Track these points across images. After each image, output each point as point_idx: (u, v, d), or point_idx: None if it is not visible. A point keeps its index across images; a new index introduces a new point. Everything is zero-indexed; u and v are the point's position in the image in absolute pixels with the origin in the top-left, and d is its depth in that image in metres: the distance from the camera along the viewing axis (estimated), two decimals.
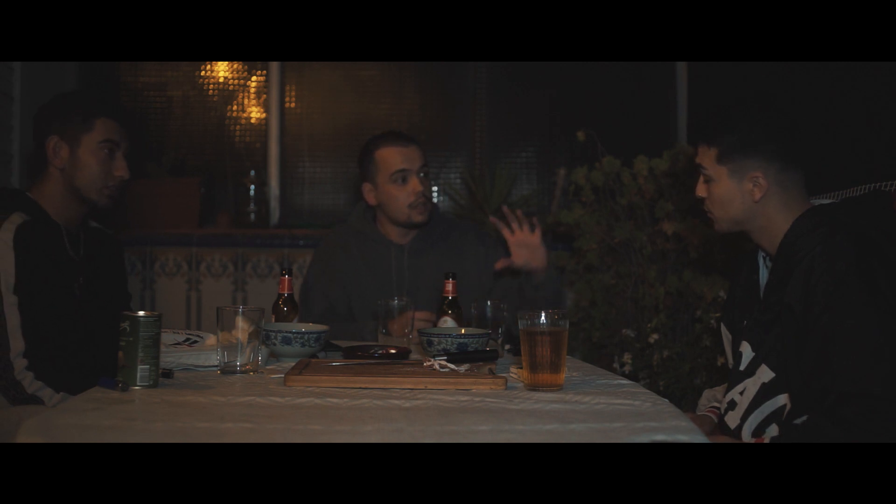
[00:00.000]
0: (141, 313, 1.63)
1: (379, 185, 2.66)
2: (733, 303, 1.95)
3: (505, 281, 2.68)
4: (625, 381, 1.77)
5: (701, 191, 1.89)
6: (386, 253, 2.68)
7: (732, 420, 1.81)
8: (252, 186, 4.11)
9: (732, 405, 1.83)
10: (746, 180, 1.80)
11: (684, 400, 2.89)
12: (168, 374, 1.72)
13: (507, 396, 1.58)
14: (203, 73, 4.28)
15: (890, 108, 2.60)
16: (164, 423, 1.37)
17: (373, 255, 2.69)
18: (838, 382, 1.59)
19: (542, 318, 1.65)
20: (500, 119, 4.29)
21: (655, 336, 3.02)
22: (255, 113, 4.27)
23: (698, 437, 1.32)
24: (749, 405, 1.78)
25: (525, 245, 2.55)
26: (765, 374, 1.76)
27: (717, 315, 2.89)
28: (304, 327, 2.09)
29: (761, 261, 1.89)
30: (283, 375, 1.73)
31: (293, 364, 1.86)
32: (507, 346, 2.17)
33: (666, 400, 1.58)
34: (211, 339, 1.94)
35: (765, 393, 1.76)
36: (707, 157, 1.85)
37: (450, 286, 2.21)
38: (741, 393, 1.80)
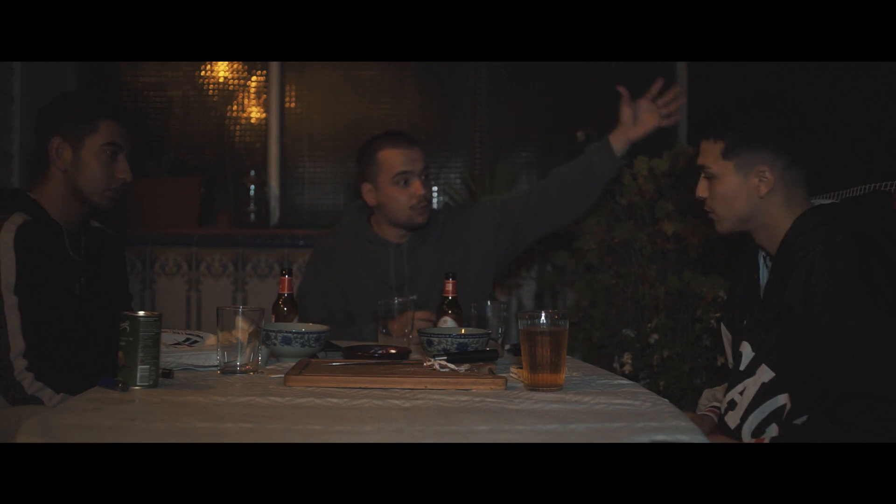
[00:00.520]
0: (141, 313, 1.63)
1: (380, 186, 2.65)
2: (733, 303, 1.95)
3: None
4: (625, 381, 1.77)
5: (702, 190, 1.88)
6: (384, 253, 2.68)
7: (732, 420, 1.81)
8: (252, 186, 4.11)
9: (732, 405, 1.83)
10: (752, 175, 1.80)
11: (684, 400, 2.89)
12: (168, 374, 1.72)
13: (507, 396, 1.58)
14: (203, 73, 4.28)
15: (890, 108, 2.60)
16: (164, 423, 1.37)
17: (371, 256, 2.69)
18: (838, 383, 1.59)
19: (542, 318, 1.65)
20: (500, 119, 4.29)
21: (655, 336, 3.02)
22: (255, 113, 4.27)
23: (698, 437, 1.32)
24: (749, 405, 1.78)
25: (650, 109, 2.67)
26: (765, 373, 1.76)
27: (717, 315, 2.89)
28: (304, 327, 2.09)
29: (761, 261, 1.89)
30: (283, 375, 1.73)
31: (293, 364, 1.86)
32: (507, 346, 2.17)
33: (666, 400, 1.58)
34: (211, 339, 1.94)
35: (765, 393, 1.76)
36: (711, 154, 1.83)
37: (450, 286, 2.21)
38: (741, 393, 1.80)
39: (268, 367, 1.90)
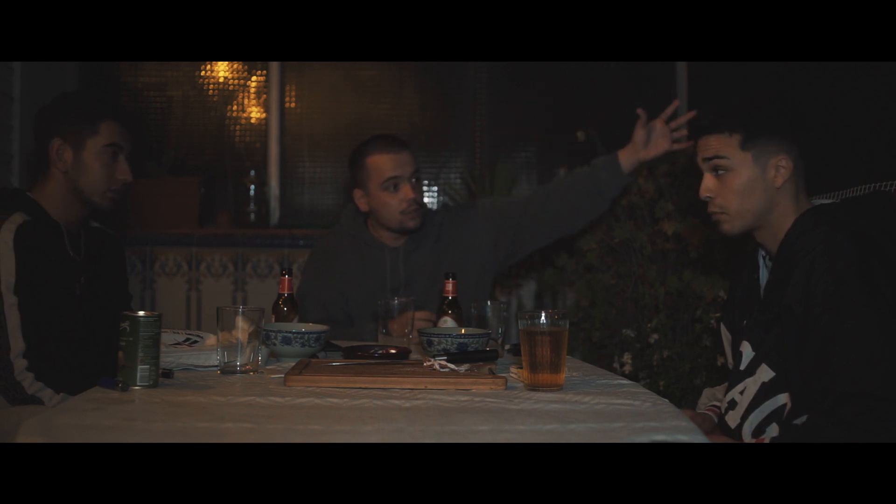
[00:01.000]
0: (141, 313, 1.63)
1: (371, 191, 2.64)
2: (733, 302, 1.95)
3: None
4: (625, 381, 1.77)
5: (708, 188, 1.83)
6: (380, 256, 2.68)
7: (733, 419, 1.81)
8: (252, 186, 4.11)
9: (733, 405, 1.82)
10: (770, 167, 1.78)
11: (684, 400, 2.89)
12: (168, 374, 1.72)
13: (507, 396, 1.58)
14: (203, 73, 4.28)
15: (889, 108, 2.60)
16: (164, 423, 1.37)
17: (367, 258, 2.68)
18: (838, 382, 1.59)
19: (542, 318, 1.65)
20: (500, 119, 4.29)
21: (655, 336, 3.02)
22: (255, 113, 4.27)
23: (698, 437, 1.32)
24: (749, 404, 1.78)
25: (663, 133, 2.68)
26: (765, 373, 1.76)
27: (717, 315, 2.89)
28: (304, 327, 2.09)
29: (761, 260, 1.89)
30: (283, 375, 1.73)
31: (293, 364, 1.86)
32: (507, 346, 2.17)
33: (666, 400, 1.58)
34: (211, 339, 1.94)
35: (765, 392, 1.76)
36: (726, 146, 1.80)
37: (450, 286, 2.21)
38: (741, 392, 1.80)
39: (268, 367, 1.90)
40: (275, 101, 4.22)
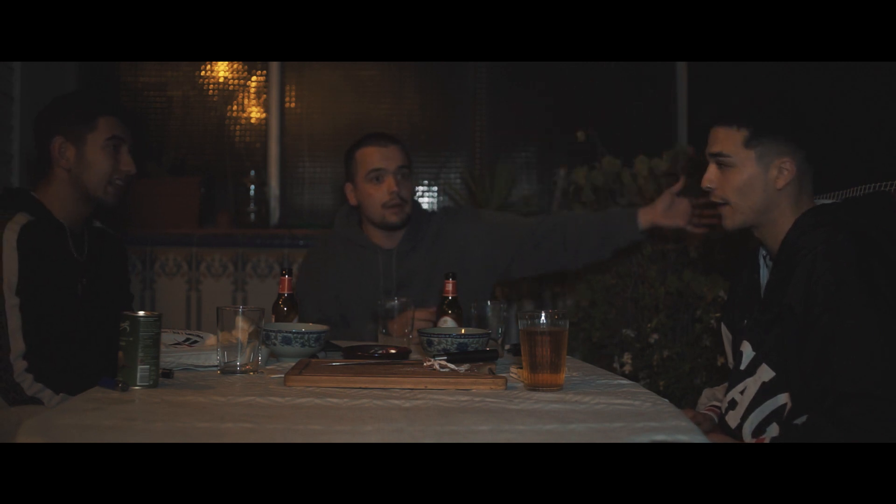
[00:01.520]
0: (141, 313, 1.63)
1: (357, 184, 2.66)
2: (734, 302, 1.95)
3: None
4: (625, 381, 1.77)
5: (710, 179, 1.84)
6: (373, 258, 2.68)
7: (733, 419, 1.81)
8: (252, 186, 4.11)
9: (733, 404, 1.82)
10: (773, 167, 1.79)
11: (684, 400, 2.89)
12: (168, 374, 1.72)
13: (507, 396, 1.58)
14: (203, 73, 4.28)
15: (890, 108, 2.60)
16: (164, 423, 1.37)
17: (361, 261, 2.68)
18: (838, 382, 1.59)
19: (542, 318, 1.65)
20: (500, 119, 4.29)
21: (655, 336, 3.02)
22: (255, 113, 4.27)
23: (698, 437, 1.32)
24: (749, 404, 1.78)
25: (685, 210, 2.60)
26: (765, 373, 1.76)
27: (717, 315, 2.89)
28: (304, 327, 2.09)
29: (762, 260, 1.89)
30: (283, 375, 1.73)
31: (293, 364, 1.86)
32: (507, 346, 2.17)
33: (666, 400, 1.58)
34: (211, 339, 1.93)
35: (765, 392, 1.76)
36: (731, 141, 1.81)
37: (450, 286, 2.21)
38: (742, 392, 1.80)
39: (268, 367, 1.90)
40: (275, 101, 4.22)
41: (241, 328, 1.78)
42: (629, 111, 4.21)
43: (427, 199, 4.28)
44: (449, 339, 1.98)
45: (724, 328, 1.99)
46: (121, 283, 2.37)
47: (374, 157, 2.64)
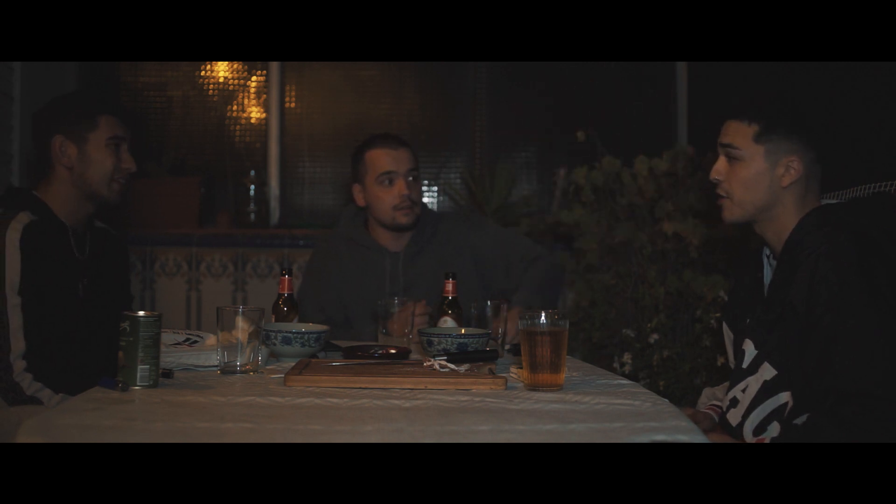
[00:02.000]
0: (141, 313, 1.63)
1: (367, 186, 2.66)
2: (735, 302, 1.95)
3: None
4: (625, 381, 1.77)
5: (719, 171, 1.84)
6: (380, 260, 2.67)
7: (734, 417, 1.82)
8: (252, 186, 4.11)
9: (734, 402, 1.83)
10: (780, 165, 1.79)
11: (684, 400, 2.89)
12: (168, 374, 1.72)
13: (507, 396, 1.58)
14: (203, 73, 4.28)
15: (890, 108, 2.60)
16: (164, 423, 1.37)
17: (366, 264, 2.68)
18: (839, 382, 1.59)
19: (542, 318, 1.65)
20: (500, 119, 4.29)
21: (655, 336, 3.02)
22: (255, 113, 4.27)
23: (698, 437, 1.32)
24: (751, 403, 1.78)
25: None
26: (767, 371, 1.77)
27: (717, 315, 2.89)
28: (304, 327, 2.09)
29: (765, 259, 1.89)
30: (283, 375, 1.73)
31: (293, 364, 1.86)
32: (507, 346, 2.17)
33: (666, 400, 1.58)
34: (211, 339, 1.93)
35: (767, 390, 1.77)
36: (742, 135, 1.81)
37: (450, 286, 2.21)
38: (743, 390, 1.81)
39: (268, 367, 1.90)
40: (275, 101, 4.22)
41: (241, 328, 1.77)
42: (629, 111, 4.21)
43: (427, 199, 4.28)
44: (449, 339, 1.98)
45: (725, 327, 1.99)
46: (121, 282, 2.37)
47: (385, 159, 2.64)
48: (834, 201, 1.85)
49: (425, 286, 2.62)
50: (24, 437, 1.25)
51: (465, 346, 1.96)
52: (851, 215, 1.77)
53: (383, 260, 2.67)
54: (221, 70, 4.27)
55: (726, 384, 2.04)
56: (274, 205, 4.19)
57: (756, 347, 1.80)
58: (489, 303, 2.17)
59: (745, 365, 1.81)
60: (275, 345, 1.98)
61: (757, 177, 1.80)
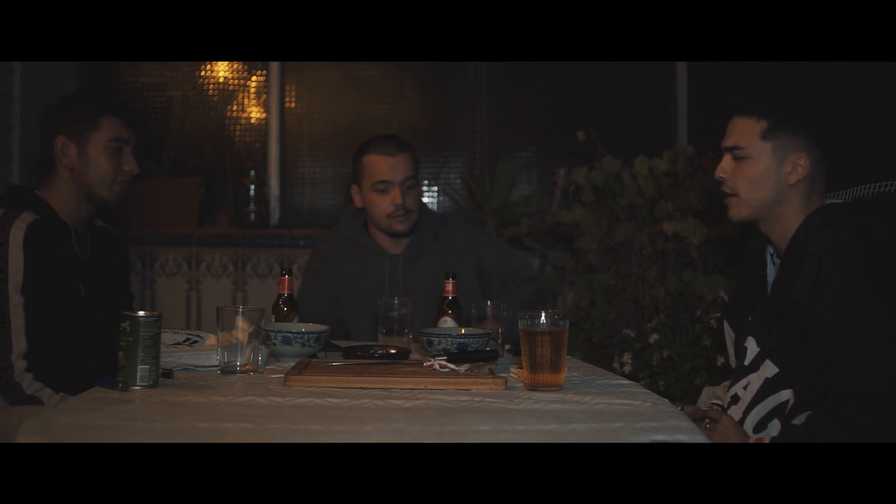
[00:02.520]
0: (141, 313, 1.63)
1: (363, 190, 2.66)
2: (737, 300, 1.95)
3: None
4: (625, 381, 1.77)
5: (724, 169, 1.84)
6: (379, 263, 2.67)
7: (735, 414, 1.82)
8: (252, 186, 4.11)
9: (735, 399, 1.83)
10: (787, 162, 1.79)
11: (684, 400, 2.89)
12: (168, 374, 1.72)
13: (507, 396, 1.58)
14: (203, 73, 4.28)
15: (890, 107, 2.60)
16: (164, 423, 1.37)
17: (365, 265, 2.68)
18: (839, 380, 1.59)
19: (542, 318, 1.65)
20: (500, 119, 4.29)
21: (655, 336, 3.02)
22: (255, 113, 4.27)
23: (698, 437, 1.32)
24: (752, 400, 1.79)
25: None
26: (769, 369, 1.77)
27: (717, 315, 2.89)
28: (304, 327, 2.09)
29: (769, 258, 1.90)
30: (283, 375, 1.73)
31: (293, 364, 1.86)
32: (507, 346, 2.17)
33: (666, 400, 1.59)
34: (211, 339, 1.93)
35: (768, 388, 1.77)
36: (748, 132, 1.81)
37: (450, 286, 2.21)
38: (744, 388, 1.81)
39: (268, 367, 1.90)
40: (275, 101, 4.22)
41: (241, 328, 1.78)
42: (629, 111, 4.21)
43: (427, 199, 4.28)
44: (449, 339, 1.98)
45: (726, 326, 1.99)
46: (122, 282, 2.37)
47: (381, 167, 2.62)
48: (839, 201, 1.85)
49: (425, 288, 2.61)
50: (24, 437, 1.25)
51: (465, 346, 1.96)
52: (856, 215, 1.77)
53: (382, 262, 2.67)
54: (221, 70, 4.27)
55: (726, 383, 2.04)
56: (274, 205, 4.19)
57: (758, 345, 1.80)
58: (489, 303, 2.18)
59: (746, 362, 1.81)
60: (275, 345, 1.98)
61: (764, 174, 1.80)
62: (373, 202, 2.64)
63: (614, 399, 1.57)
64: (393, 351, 2.04)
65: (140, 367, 1.60)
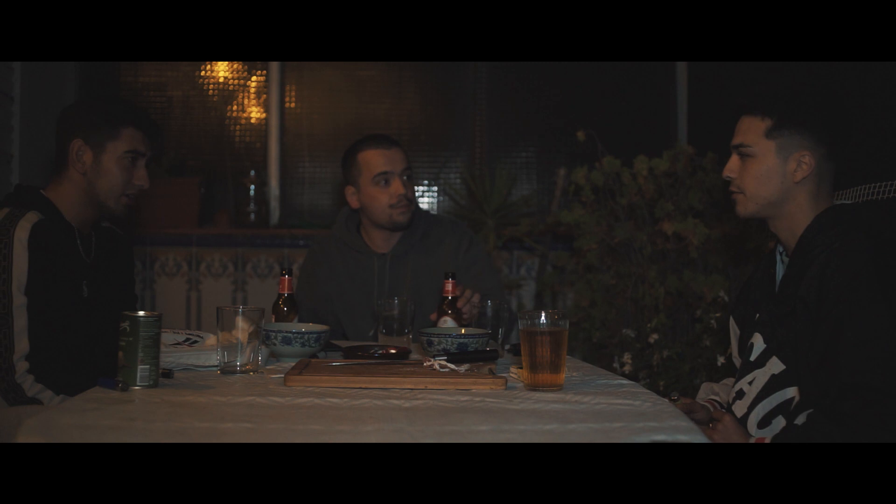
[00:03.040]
0: (141, 313, 1.63)
1: (362, 187, 2.65)
2: (745, 297, 1.96)
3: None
4: (625, 381, 1.77)
5: (731, 170, 1.85)
6: (368, 263, 2.67)
7: (739, 409, 1.82)
8: (252, 186, 4.11)
9: (741, 394, 1.83)
10: (792, 160, 1.79)
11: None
12: (168, 374, 1.72)
13: (507, 396, 1.58)
14: (203, 73, 4.28)
15: (891, 107, 2.60)
16: (164, 423, 1.37)
17: (355, 266, 2.68)
18: (842, 375, 1.60)
19: (542, 318, 1.65)
20: (500, 119, 4.29)
21: (655, 336, 3.02)
22: (255, 113, 4.27)
23: (698, 437, 1.32)
24: (757, 395, 1.79)
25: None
26: (775, 365, 1.77)
27: (718, 315, 2.90)
28: (304, 327, 2.09)
29: (778, 256, 1.90)
30: (283, 375, 1.73)
31: (293, 364, 1.86)
32: (507, 346, 2.17)
33: (666, 400, 1.59)
34: (211, 339, 1.93)
35: (774, 384, 1.77)
36: (754, 131, 1.82)
37: (449, 286, 2.21)
38: (750, 383, 1.82)
39: (268, 367, 1.90)
40: (275, 101, 4.22)
41: (241, 328, 1.78)
42: (629, 111, 4.22)
43: (427, 199, 4.28)
44: (449, 339, 1.98)
45: (732, 322, 2.00)
46: (126, 284, 2.36)
47: (379, 160, 2.63)
48: (849, 202, 1.86)
49: (411, 286, 2.62)
50: (24, 437, 1.25)
51: (465, 346, 1.96)
52: (866, 216, 1.78)
53: (371, 261, 2.67)
54: (221, 70, 4.27)
55: (726, 381, 2.05)
56: (274, 205, 4.19)
57: (765, 342, 1.81)
58: (489, 303, 2.18)
59: (752, 358, 1.82)
60: (275, 345, 1.98)
61: (769, 172, 1.81)
62: (373, 197, 2.63)
63: (614, 399, 1.57)
64: (393, 351, 2.04)
65: (140, 367, 1.60)
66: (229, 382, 1.70)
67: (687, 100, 4.18)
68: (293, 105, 4.27)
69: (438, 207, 4.25)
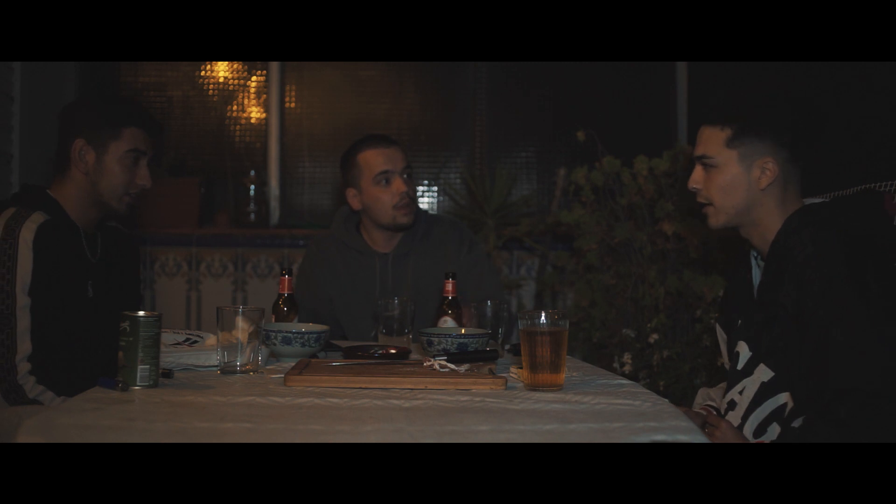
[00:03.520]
0: (141, 313, 1.63)
1: (363, 188, 2.64)
2: (728, 303, 1.96)
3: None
4: (625, 381, 1.77)
5: (696, 180, 1.85)
6: (369, 264, 2.67)
7: (733, 420, 1.82)
8: (252, 186, 4.11)
9: (732, 405, 1.83)
10: (755, 167, 1.79)
11: (684, 400, 2.89)
12: (168, 374, 1.72)
13: (507, 396, 1.58)
14: (203, 73, 4.28)
15: (881, 109, 2.60)
16: (164, 423, 1.37)
17: (355, 266, 2.67)
18: (833, 380, 1.60)
19: (542, 318, 1.65)
20: (500, 119, 4.29)
21: (655, 336, 3.02)
22: (255, 113, 4.27)
23: (698, 437, 1.32)
24: (749, 404, 1.78)
25: None
26: (764, 373, 1.77)
27: (718, 315, 2.89)
28: (304, 327, 2.09)
29: (753, 261, 1.89)
30: (283, 375, 1.73)
31: (293, 364, 1.86)
32: (507, 346, 2.17)
33: (666, 400, 1.58)
34: (211, 339, 1.93)
35: (765, 392, 1.77)
36: (714, 142, 1.81)
37: (450, 286, 2.21)
38: (740, 392, 1.81)
39: (268, 367, 1.90)
40: (275, 101, 4.22)
41: (241, 328, 1.77)
42: (629, 111, 4.21)
43: (427, 199, 4.28)
44: (449, 339, 1.98)
45: (718, 329, 1.99)
46: (131, 283, 2.35)
47: (380, 159, 2.63)
48: (817, 200, 1.85)
49: (413, 287, 2.61)
50: (24, 437, 1.25)
51: (465, 346, 1.96)
52: (835, 213, 1.77)
53: (372, 261, 2.66)
54: (221, 70, 4.27)
55: (722, 384, 2.04)
56: (274, 205, 4.19)
57: (750, 349, 1.80)
58: (489, 303, 2.17)
59: (739, 367, 1.81)
60: (275, 345, 1.98)
61: (734, 181, 1.80)
62: (375, 197, 2.63)
63: (614, 399, 1.57)
64: (393, 351, 2.04)
65: (140, 367, 1.60)
66: (229, 382, 1.70)
67: (687, 100, 4.18)
68: (293, 105, 4.27)
69: (438, 207, 4.25)
